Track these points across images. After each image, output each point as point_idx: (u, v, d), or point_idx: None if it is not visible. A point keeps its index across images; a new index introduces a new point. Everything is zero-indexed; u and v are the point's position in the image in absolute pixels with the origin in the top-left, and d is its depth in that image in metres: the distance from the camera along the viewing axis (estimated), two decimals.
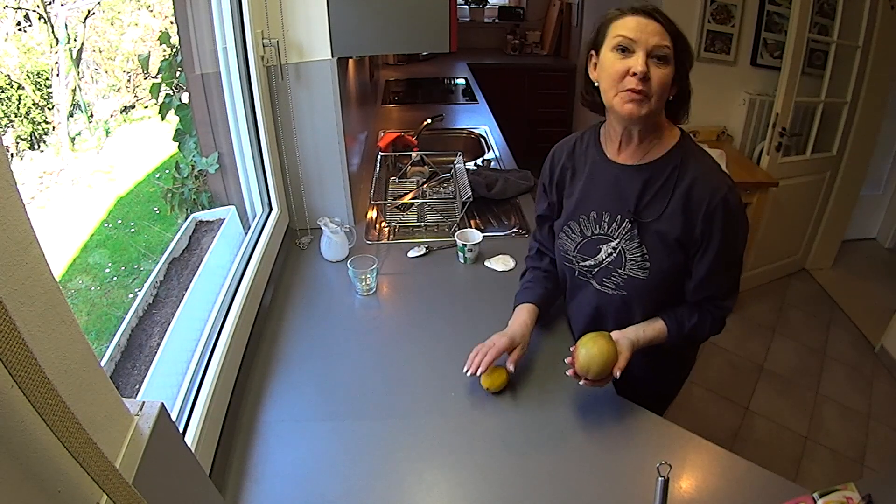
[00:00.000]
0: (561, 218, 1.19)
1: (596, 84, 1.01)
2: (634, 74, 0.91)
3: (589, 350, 1.01)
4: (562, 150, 1.19)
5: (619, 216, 1.07)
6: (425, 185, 2.01)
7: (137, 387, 1.12)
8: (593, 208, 1.10)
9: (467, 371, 1.10)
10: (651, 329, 1.10)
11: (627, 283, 1.10)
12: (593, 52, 1.00)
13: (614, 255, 1.09)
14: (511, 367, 1.12)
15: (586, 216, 1.11)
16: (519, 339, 1.15)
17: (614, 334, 1.06)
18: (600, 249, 1.11)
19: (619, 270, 1.10)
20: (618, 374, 1.02)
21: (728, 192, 0.99)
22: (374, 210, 1.87)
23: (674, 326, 1.09)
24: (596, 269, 1.13)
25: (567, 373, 1.04)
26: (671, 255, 1.05)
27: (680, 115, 1.04)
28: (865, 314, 2.87)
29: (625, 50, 0.93)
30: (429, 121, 2.44)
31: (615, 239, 1.08)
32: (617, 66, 0.94)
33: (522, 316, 1.21)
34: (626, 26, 0.93)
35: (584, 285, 1.19)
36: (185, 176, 1.63)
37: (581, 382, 1.04)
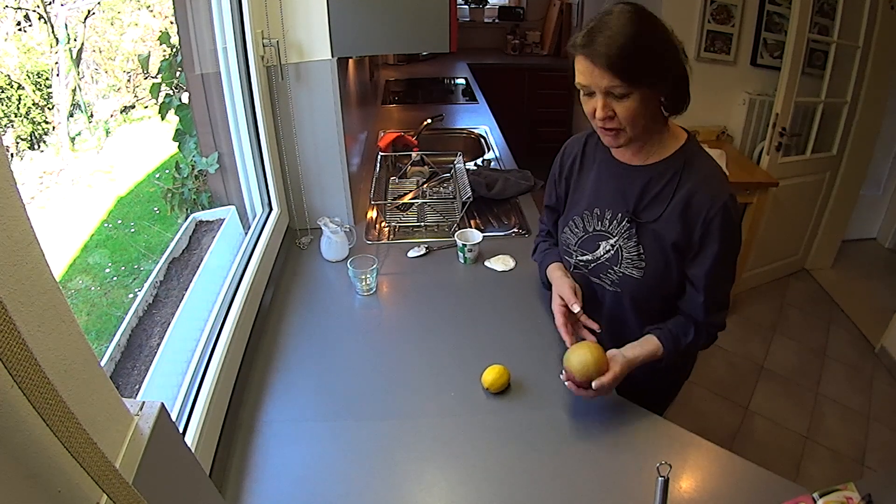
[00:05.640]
0: (566, 213, 1.21)
1: None
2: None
3: (582, 352, 1.02)
4: (573, 145, 1.21)
5: (619, 214, 1.08)
6: (425, 185, 2.01)
7: (137, 387, 1.12)
8: (597, 205, 1.12)
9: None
10: (648, 346, 1.08)
11: (622, 281, 1.11)
12: None
13: (612, 252, 1.11)
14: (577, 308, 1.12)
15: (590, 212, 1.13)
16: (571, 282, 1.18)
17: (611, 352, 1.05)
18: (599, 245, 1.12)
19: (615, 268, 1.11)
20: (597, 385, 1.00)
21: (728, 200, 0.99)
22: (374, 210, 1.87)
23: (670, 345, 1.08)
24: (593, 265, 1.15)
25: (561, 377, 1.05)
26: (667, 258, 1.05)
27: (679, 109, 1.03)
28: (865, 314, 2.87)
29: (586, 93, 0.96)
30: (429, 121, 2.44)
31: (614, 236, 1.09)
32: (585, 106, 0.98)
33: (559, 271, 1.23)
34: (579, 69, 0.94)
35: (578, 279, 1.20)
36: (185, 176, 1.63)
37: (568, 384, 1.04)
